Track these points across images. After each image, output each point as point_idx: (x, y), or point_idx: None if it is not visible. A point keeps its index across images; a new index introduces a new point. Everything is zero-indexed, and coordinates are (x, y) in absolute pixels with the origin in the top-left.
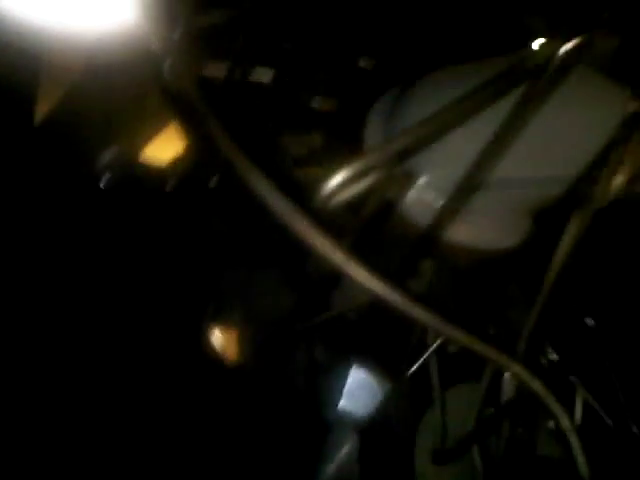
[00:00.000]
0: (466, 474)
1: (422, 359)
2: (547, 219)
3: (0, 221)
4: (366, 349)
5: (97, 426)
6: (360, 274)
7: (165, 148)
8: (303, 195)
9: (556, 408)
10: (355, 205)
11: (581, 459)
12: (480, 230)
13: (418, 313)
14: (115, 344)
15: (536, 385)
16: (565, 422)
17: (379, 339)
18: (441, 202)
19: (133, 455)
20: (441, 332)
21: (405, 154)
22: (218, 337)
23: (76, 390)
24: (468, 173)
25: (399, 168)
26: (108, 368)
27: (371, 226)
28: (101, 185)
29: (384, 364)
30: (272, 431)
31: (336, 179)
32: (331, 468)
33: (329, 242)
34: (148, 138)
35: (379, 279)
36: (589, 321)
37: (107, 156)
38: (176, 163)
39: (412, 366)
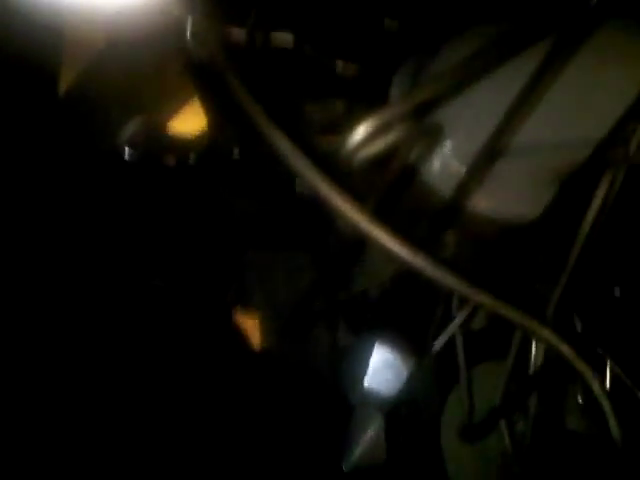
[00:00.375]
0: (493, 452)
1: (447, 333)
2: (575, 185)
3: (24, 193)
4: (389, 327)
5: (115, 409)
6: (385, 237)
7: (187, 122)
8: (327, 160)
9: (587, 372)
10: (379, 168)
11: (613, 423)
12: (505, 199)
13: (445, 278)
14: (135, 324)
15: (566, 350)
16: (596, 387)
17: (402, 317)
18: (465, 170)
19: (152, 438)
20: (469, 297)
21: (430, 107)
22: (240, 320)
23: (93, 373)
24: (494, 138)
25: (423, 128)
26: (128, 351)
27: (393, 193)
28: (124, 158)
29: (408, 342)
30: (296, 414)
31: (361, 131)
32: (358, 449)
33: (353, 205)
34: (170, 112)
35: (404, 242)
36: (617, 291)
37: (130, 128)
38: (198, 137)
39: (437, 343)
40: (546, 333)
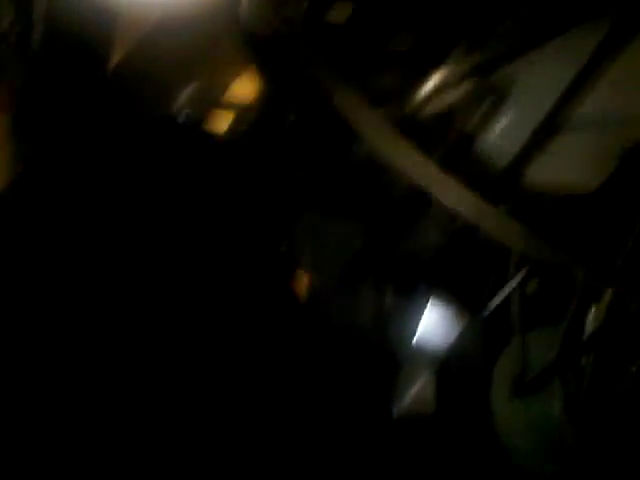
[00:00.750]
0: (542, 412)
1: (503, 294)
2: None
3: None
4: (444, 286)
5: (173, 362)
6: (452, 190)
7: (241, 89)
8: (392, 120)
9: None
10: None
11: None
12: (564, 169)
13: (514, 233)
14: (189, 276)
15: (634, 307)
16: None
17: (458, 276)
18: (526, 138)
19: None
20: (536, 253)
21: (492, 69)
22: (290, 279)
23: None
24: (555, 110)
25: (486, 89)
26: (183, 304)
27: (452, 158)
28: (179, 122)
29: (462, 301)
30: (345, 370)
31: (426, 88)
32: (405, 403)
33: (421, 157)
34: (225, 79)
35: (476, 196)
36: None
37: (185, 94)
38: (251, 104)
39: (491, 304)
40: (613, 289)
